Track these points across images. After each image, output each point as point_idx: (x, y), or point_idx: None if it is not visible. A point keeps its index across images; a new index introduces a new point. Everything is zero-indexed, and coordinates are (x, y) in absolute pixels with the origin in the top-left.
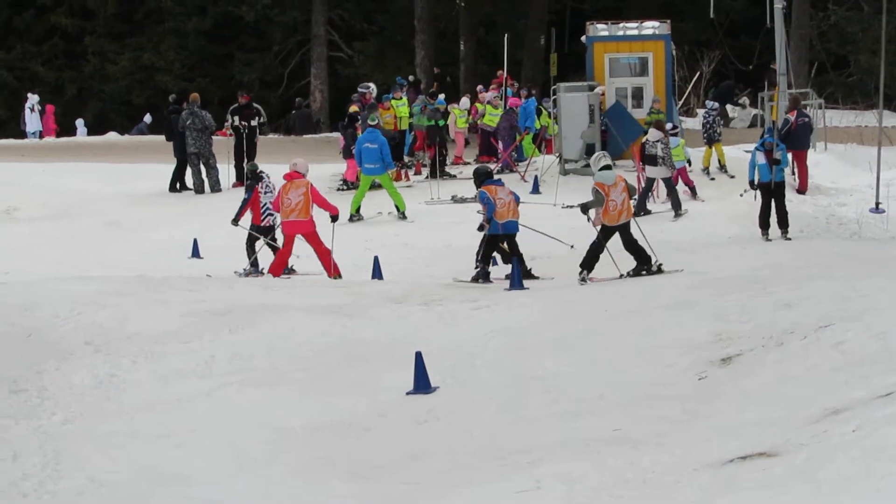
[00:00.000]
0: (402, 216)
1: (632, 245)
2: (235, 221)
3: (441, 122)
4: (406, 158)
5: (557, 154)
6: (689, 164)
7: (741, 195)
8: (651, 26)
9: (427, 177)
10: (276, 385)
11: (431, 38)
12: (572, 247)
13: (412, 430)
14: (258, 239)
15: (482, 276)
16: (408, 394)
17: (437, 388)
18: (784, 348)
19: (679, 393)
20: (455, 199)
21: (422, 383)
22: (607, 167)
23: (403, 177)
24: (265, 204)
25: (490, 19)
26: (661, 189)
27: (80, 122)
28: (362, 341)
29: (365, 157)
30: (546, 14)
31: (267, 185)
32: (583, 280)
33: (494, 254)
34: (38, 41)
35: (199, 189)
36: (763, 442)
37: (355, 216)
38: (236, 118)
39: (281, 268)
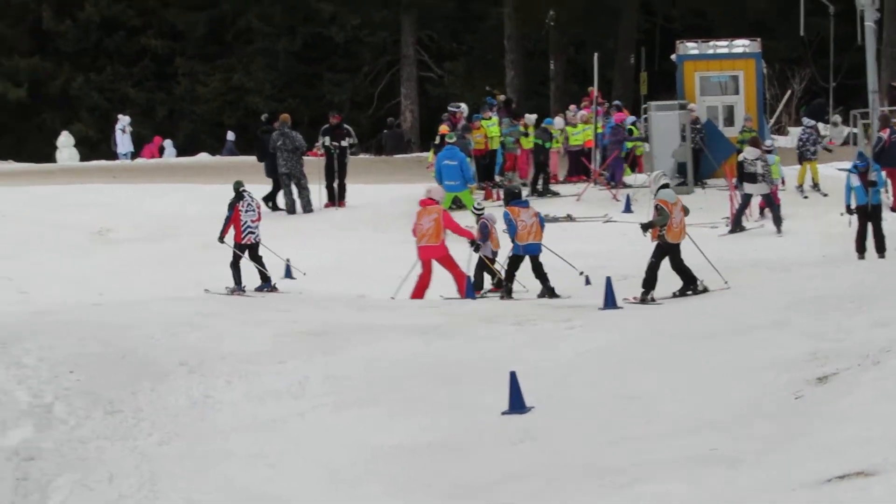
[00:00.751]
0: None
1: (679, 265)
2: (221, 239)
3: (548, 144)
4: (497, 178)
5: (649, 173)
6: (783, 183)
7: (841, 214)
8: (742, 44)
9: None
10: (370, 405)
11: (521, 57)
12: (581, 273)
13: (507, 450)
14: (241, 257)
15: (506, 292)
16: (503, 414)
17: (533, 407)
18: (881, 367)
19: (775, 412)
20: (548, 219)
21: (517, 403)
22: (666, 185)
23: (494, 196)
24: (245, 222)
25: (580, 38)
26: (753, 208)
27: (168, 143)
28: (456, 361)
29: (445, 174)
30: (636, 33)
31: (248, 204)
32: (652, 300)
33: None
34: (129, 63)
35: (290, 209)
36: (861, 461)
37: None
38: (327, 138)
39: (422, 291)
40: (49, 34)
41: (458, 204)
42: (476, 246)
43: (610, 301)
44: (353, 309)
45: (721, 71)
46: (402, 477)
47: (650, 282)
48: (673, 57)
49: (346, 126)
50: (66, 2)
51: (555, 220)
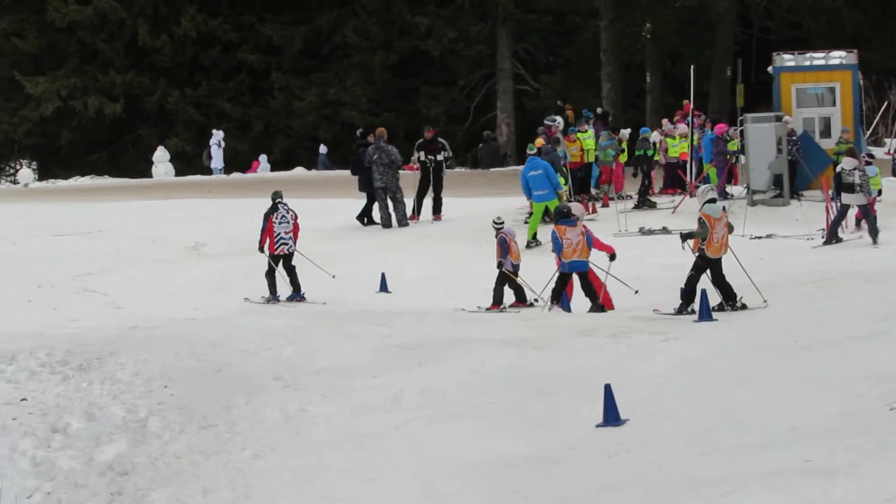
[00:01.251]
0: (531, 244)
1: (720, 280)
2: (260, 248)
3: (650, 152)
4: (593, 191)
5: (745, 185)
6: (880, 195)
7: None
8: (838, 56)
9: (634, 206)
10: (465, 419)
11: (617, 70)
12: (637, 292)
13: (602, 462)
14: (276, 268)
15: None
16: (598, 426)
17: (627, 420)
18: None
19: (870, 423)
20: (643, 231)
21: (611, 415)
22: (713, 200)
23: (591, 209)
24: (278, 233)
25: (676, 51)
26: (849, 220)
27: (262, 158)
28: (551, 374)
29: (532, 184)
30: (732, 45)
31: (283, 216)
32: (691, 311)
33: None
34: (225, 78)
35: (386, 223)
36: None
37: (532, 243)
38: (422, 153)
39: (609, 302)
40: (145, 49)
41: (549, 215)
42: (500, 263)
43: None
44: (447, 322)
45: (818, 82)
46: (498, 490)
47: (688, 294)
48: (769, 69)
49: (440, 140)
50: (162, 17)
51: (650, 232)
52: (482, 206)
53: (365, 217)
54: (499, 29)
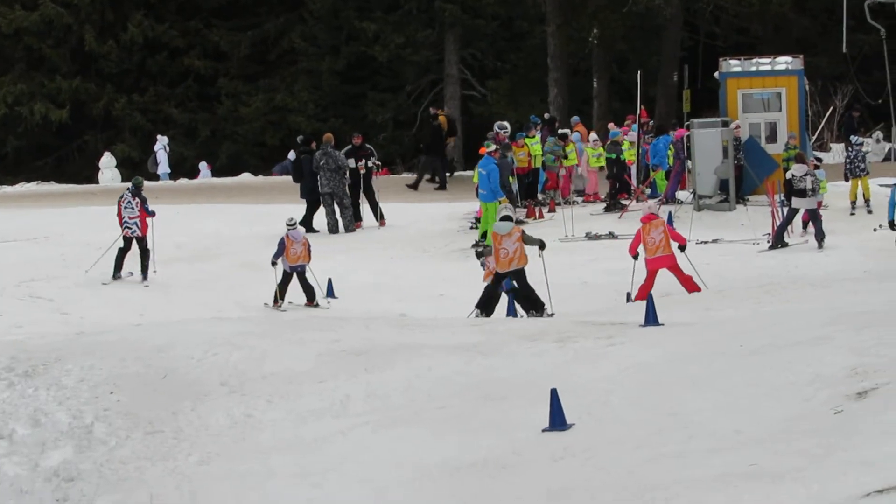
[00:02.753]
0: (476, 245)
1: (525, 290)
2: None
3: (622, 157)
4: (540, 196)
5: (691, 190)
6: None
7: (875, 230)
8: (784, 61)
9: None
10: (412, 424)
11: (564, 75)
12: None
13: (549, 467)
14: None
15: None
16: (544, 431)
17: (573, 424)
18: None
19: (816, 427)
20: (589, 237)
21: (558, 420)
22: (506, 218)
23: (537, 214)
24: (125, 217)
25: (623, 56)
26: (795, 224)
27: (203, 165)
28: (497, 379)
29: (480, 182)
30: (679, 51)
31: (128, 202)
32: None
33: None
34: (172, 83)
35: (332, 229)
36: None
37: (481, 242)
38: (352, 159)
39: (645, 293)
40: (92, 55)
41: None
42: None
43: (651, 318)
44: (394, 328)
45: (764, 88)
46: (445, 495)
47: (485, 303)
48: (716, 74)
49: (368, 146)
50: (108, 23)
51: (597, 237)
52: (429, 211)
53: (307, 224)
54: (446, 34)
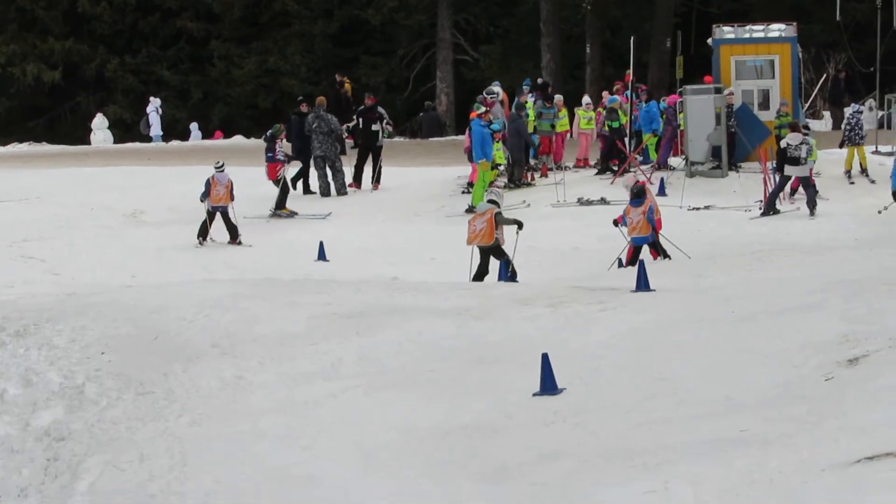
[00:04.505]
0: (469, 209)
1: (504, 262)
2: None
3: (615, 124)
4: (532, 161)
5: (683, 156)
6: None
7: (880, 213)
8: (777, 29)
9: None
10: (403, 387)
11: (557, 41)
12: (689, 258)
13: (539, 431)
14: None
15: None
16: (534, 395)
17: (564, 389)
18: None
19: (806, 394)
20: (581, 202)
21: (549, 385)
22: (492, 202)
23: (530, 178)
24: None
25: (616, 22)
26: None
27: (194, 126)
28: (490, 343)
29: (473, 142)
30: (672, 17)
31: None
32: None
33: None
34: (164, 45)
35: (324, 192)
36: (891, 442)
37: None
38: (360, 120)
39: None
40: (84, 17)
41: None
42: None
43: (642, 283)
44: (386, 291)
45: (757, 55)
46: (435, 458)
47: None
48: (709, 41)
49: (379, 109)
50: None
51: (588, 203)
52: (421, 175)
53: (298, 183)
54: None
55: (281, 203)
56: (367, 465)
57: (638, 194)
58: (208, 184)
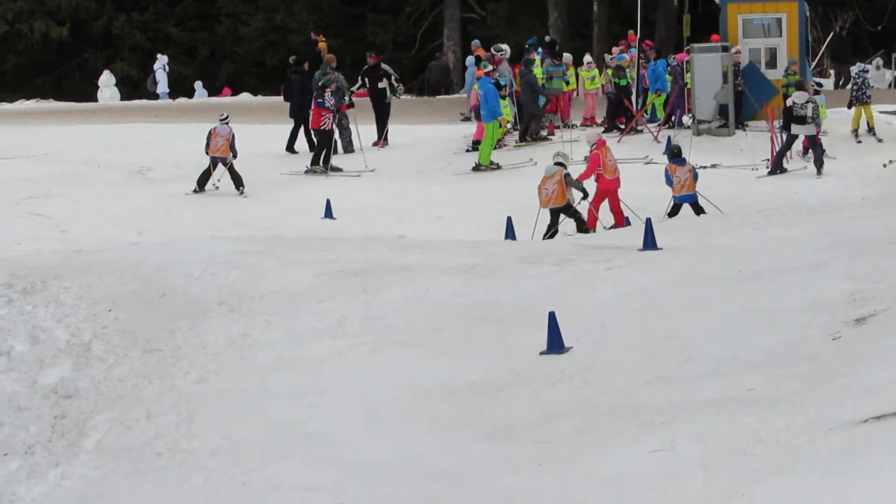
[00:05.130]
0: (476, 167)
1: (576, 221)
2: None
3: (623, 81)
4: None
5: (691, 115)
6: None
7: (885, 166)
8: None
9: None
10: (409, 345)
11: None
12: (721, 212)
13: (546, 389)
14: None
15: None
16: (541, 354)
17: (571, 347)
18: None
19: (813, 353)
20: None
21: (555, 343)
22: (558, 163)
23: (549, 131)
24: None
25: None
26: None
27: (198, 85)
28: (496, 301)
29: (481, 103)
30: None
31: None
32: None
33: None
34: (171, 2)
35: (312, 147)
36: None
37: (485, 167)
38: (366, 79)
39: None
40: None
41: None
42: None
43: (650, 242)
44: (393, 249)
45: (764, 13)
46: (441, 416)
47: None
48: None
49: (383, 67)
50: None
51: None
52: (428, 133)
53: (290, 144)
54: None
55: (317, 159)
56: (372, 423)
57: (678, 153)
58: (209, 135)
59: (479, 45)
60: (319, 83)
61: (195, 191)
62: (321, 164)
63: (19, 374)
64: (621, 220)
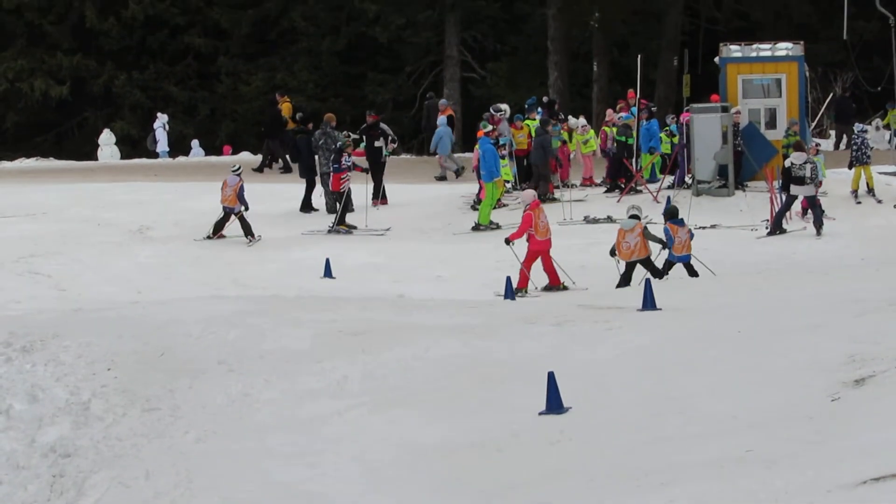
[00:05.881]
0: (475, 227)
1: (652, 271)
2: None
3: (630, 140)
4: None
5: (690, 175)
6: (820, 185)
7: None
8: (784, 47)
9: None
10: (409, 405)
11: (565, 58)
12: (714, 274)
13: (545, 450)
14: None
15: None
16: (540, 414)
17: (570, 408)
18: None
19: (812, 414)
20: (588, 220)
21: (554, 403)
22: (634, 216)
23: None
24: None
25: (623, 40)
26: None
27: (195, 143)
28: (495, 361)
29: (481, 162)
30: (679, 35)
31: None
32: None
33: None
34: (172, 61)
35: (331, 209)
36: None
37: (483, 227)
38: (364, 137)
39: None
40: (92, 32)
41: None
42: None
43: (649, 302)
44: (392, 309)
45: (764, 74)
46: (441, 476)
47: (623, 282)
48: (716, 59)
49: (381, 126)
50: (110, 0)
51: (595, 221)
52: (427, 192)
53: (308, 205)
54: (447, 16)
55: (342, 218)
56: (372, 483)
57: (675, 214)
58: (222, 185)
59: (446, 104)
60: (337, 145)
61: (208, 237)
62: (343, 223)
63: (18, 433)
64: (556, 280)
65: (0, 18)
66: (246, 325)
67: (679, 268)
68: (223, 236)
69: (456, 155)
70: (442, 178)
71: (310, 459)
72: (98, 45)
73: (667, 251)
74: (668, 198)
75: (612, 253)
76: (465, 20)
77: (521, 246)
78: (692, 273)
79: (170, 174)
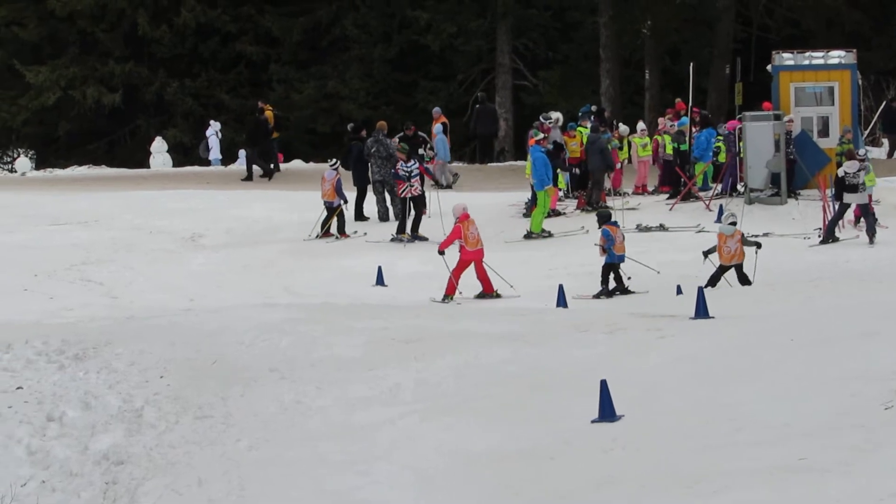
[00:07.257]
0: (527, 235)
1: (743, 278)
2: None
3: (683, 147)
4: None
5: (743, 183)
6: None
7: None
8: (837, 55)
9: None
10: (461, 413)
11: (616, 66)
12: (658, 272)
13: (597, 458)
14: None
15: (605, 294)
16: (593, 422)
17: (623, 416)
18: None
19: (864, 422)
20: (640, 228)
21: (607, 411)
22: (733, 223)
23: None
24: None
25: (675, 48)
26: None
27: (241, 153)
28: (547, 369)
29: (533, 171)
30: (732, 43)
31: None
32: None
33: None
34: (224, 69)
35: (383, 217)
36: None
37: (535, 235)
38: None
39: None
40: (144, 40)
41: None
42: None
43: (701, 310)
44: (443, 316)
45: (816, 82)
46: (492, 484)
47: (713, 281)
48: (768, 67)
49: (420, 134)
50: (161, 8)
51: (647, 229)
52: (478, 200)
53: (360, 213)
54: (498, 24)
55: (402, 227)
56: (424, 491)
57: (608, 217)
58: (321, 180)
59: (440, 112)
60: (389, 152)
61: (317, 236)
62: (407, 231)
63: (71, 440)
64: (489, 287)
65: (53, 26)
66: (298, 333)
67: (731, 275)
68: (330, 234)
69: (507, 163)
70: (448, 187)
71: (362, 467)
72: (150, 52)
73: (607, 254)
74: (721, 206)
75: (706, 254)
76: (517, 28)
77: (453, 255)
78: (744, 281)
79: (222, 182)
